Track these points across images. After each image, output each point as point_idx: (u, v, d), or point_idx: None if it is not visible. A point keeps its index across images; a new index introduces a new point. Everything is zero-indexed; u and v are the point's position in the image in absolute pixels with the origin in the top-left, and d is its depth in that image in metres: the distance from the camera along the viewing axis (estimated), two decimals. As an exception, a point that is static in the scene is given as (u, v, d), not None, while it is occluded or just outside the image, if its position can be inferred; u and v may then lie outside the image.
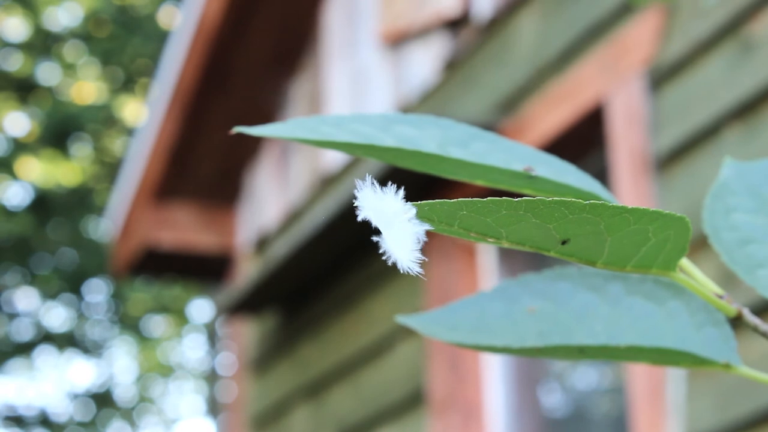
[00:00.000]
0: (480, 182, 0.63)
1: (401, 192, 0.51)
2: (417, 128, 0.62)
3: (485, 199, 0.52)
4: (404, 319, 0.71)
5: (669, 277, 0.59)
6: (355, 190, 0.51)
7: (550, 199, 0.52)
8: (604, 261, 0.57)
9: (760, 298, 2.29)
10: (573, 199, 0.52)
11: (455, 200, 0.52)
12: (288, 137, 0.60)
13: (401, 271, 0.49)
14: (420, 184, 3.33)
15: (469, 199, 0.52)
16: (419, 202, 0.52)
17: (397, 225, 0.50)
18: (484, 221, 0.52)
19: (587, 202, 0.53)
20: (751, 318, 0.63)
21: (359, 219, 0.50)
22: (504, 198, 0.52)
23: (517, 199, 0.52)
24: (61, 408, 11.28)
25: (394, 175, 2.84)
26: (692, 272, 0.62)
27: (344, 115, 0.62)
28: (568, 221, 0.53)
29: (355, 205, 0.50)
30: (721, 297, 0.62)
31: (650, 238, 0.56)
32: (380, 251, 0.50)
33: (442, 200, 0.51)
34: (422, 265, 0.50)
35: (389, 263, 0.50)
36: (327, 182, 4.10)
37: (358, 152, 0.61)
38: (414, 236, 0.51)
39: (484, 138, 0.63)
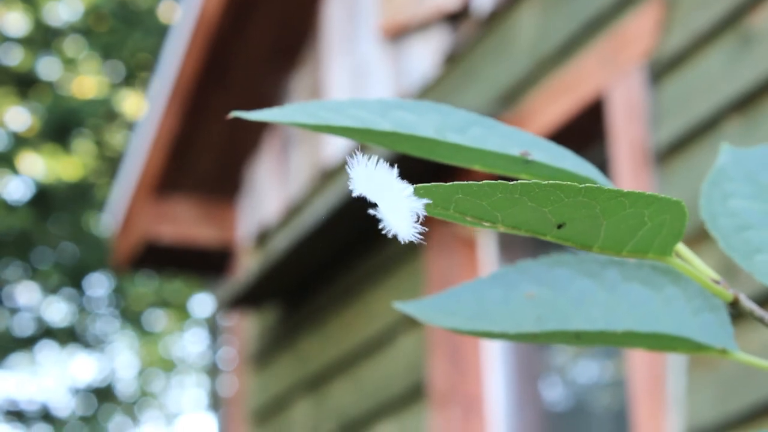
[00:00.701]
0: (477, 167, 0.63)
1: (395, 168, 0.51)
2: (415, 113, 0.62)
3: (481, 183, 0.52)
4: (402, 306, 0.72)
5: (665, 262, 0.59)
6: (347, 167, 0.50)
7: (546, 182, 0.52)
8: (600, 245, 0.57)
9: (760, 289, 2.29)
10: (568, 183, 0.52)
11: (451, 183, 0.51)
12: (286, 122, 0.60)
13: (401, 242, 0.48)
14: (422, 172, 3.33)
15: (465, 182, 0.52)
16: (415, 185, 0.51)
17: (392, 196, 0.50)
18: (480, 205, 0.52)
19: (582, 185, 0.53)
20: (747, 303, 0.63)
21: (354, 195, 0.50)
22: (499, 181, 0.52)
23: (512, 183, 0.52)
24: (62, 403, 11.29)
25: (396, 163, 2.84)
26: (689, 257, 0.62)
27: (343, 100, 0.62)
28: (563, 205, 0.53)
29: (348, 184, 0.50)
30: (717, 282, 0.62)
31: (646, 222, 0.56)
32: (380, 231, 0.50)
33: (438, 183, 0.51)
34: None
35: (389, 236, 0.50)
36: (327, 176, 4.11)
37: (355, 137, 0.61)
38: (411, 206, 0.50)
39: (482, 123, 0.63)
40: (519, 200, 0.52)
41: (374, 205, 0.50)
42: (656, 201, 0.55)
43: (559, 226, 0.55)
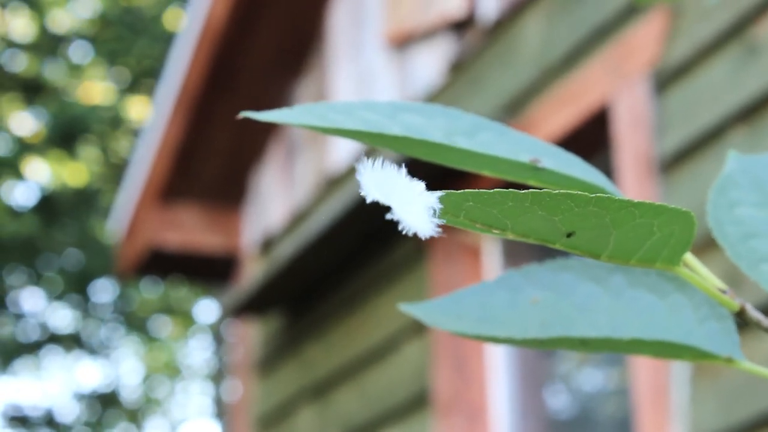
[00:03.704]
0: (486, 172, 0.63)
1: (403, 169, 0.51)
2: (424, 117, 0.62)
3: (491, 191, 0.52)
4: (407, 308, 0.72)
5: (673, 272, 0.60)
6: (357, 174, 0.50)
7: (557, 191, 0.52)
8: (609, 254, 0.57)
9: (765, 298, 2.29)
10: (579, 192, 0.53)
11: (461, 191, 0.52)
12: (296, 123, 0.60)
13: (422, 239, 0.48)
14: (429, 175, 3.33)
15: (476, 190, 0.52)
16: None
17: (405, 195, 0.50)
18: (490, 212, 0.53)
19: (593, 195, 0.53)
20: (753, 313, 0.63)
21: (368, 201, 0.50)
22: (510, 190, 0.52)
23: (523, 191, 0.52)
24: (67, 408, 11.29)
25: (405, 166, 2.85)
26: (696, 267, 0.62)
27: (352, 102, 0.62)
28: (573, 214, 0.54)
29: (356, 191, 0.50)
30: (724, 292, 0.62)
31: (655, 232, 0.56)
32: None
33: (449, 191, 0.52)
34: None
35: (409, 235, 0.50)
36: (332, 183, 4.11)
37: (365, 140, 0.61)
38: (425, 202, 0.50)
39: (491, 128, 0.64)
40: (529, 209, 0.53)
41: (389, 209, 0.50)
42: (666, 212, 0.55)
43: (569, 235, 0.55)
